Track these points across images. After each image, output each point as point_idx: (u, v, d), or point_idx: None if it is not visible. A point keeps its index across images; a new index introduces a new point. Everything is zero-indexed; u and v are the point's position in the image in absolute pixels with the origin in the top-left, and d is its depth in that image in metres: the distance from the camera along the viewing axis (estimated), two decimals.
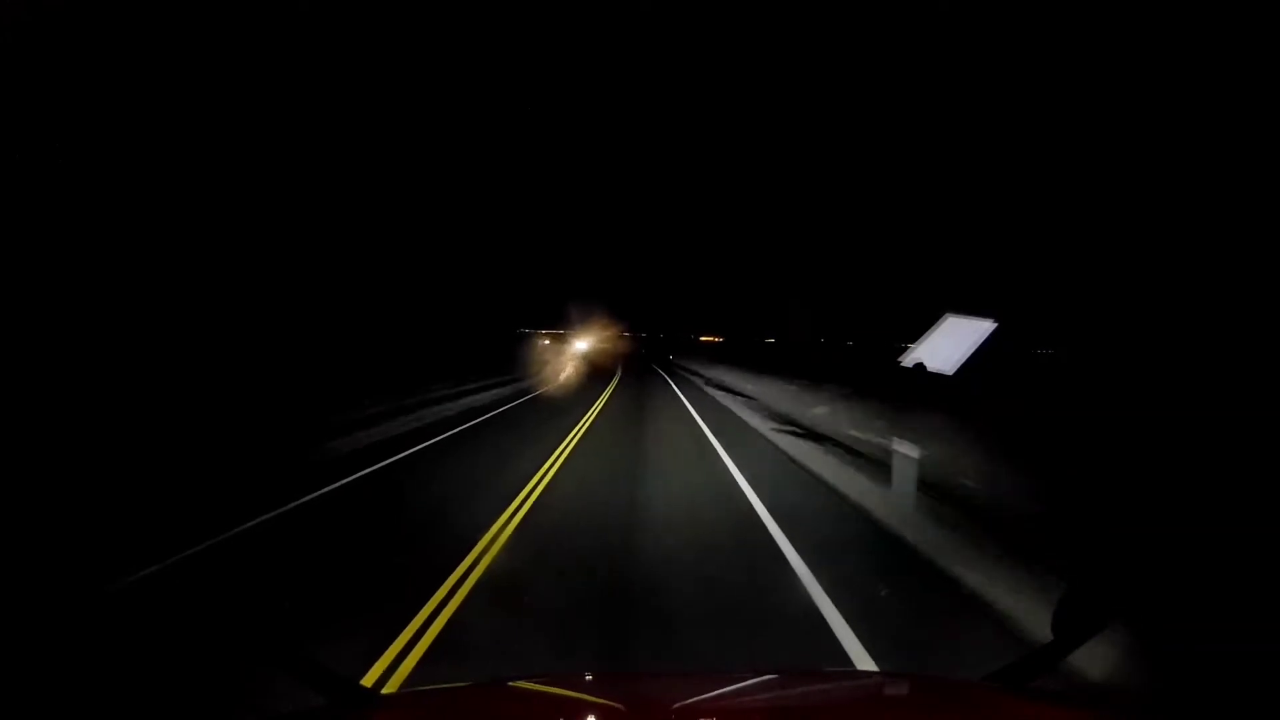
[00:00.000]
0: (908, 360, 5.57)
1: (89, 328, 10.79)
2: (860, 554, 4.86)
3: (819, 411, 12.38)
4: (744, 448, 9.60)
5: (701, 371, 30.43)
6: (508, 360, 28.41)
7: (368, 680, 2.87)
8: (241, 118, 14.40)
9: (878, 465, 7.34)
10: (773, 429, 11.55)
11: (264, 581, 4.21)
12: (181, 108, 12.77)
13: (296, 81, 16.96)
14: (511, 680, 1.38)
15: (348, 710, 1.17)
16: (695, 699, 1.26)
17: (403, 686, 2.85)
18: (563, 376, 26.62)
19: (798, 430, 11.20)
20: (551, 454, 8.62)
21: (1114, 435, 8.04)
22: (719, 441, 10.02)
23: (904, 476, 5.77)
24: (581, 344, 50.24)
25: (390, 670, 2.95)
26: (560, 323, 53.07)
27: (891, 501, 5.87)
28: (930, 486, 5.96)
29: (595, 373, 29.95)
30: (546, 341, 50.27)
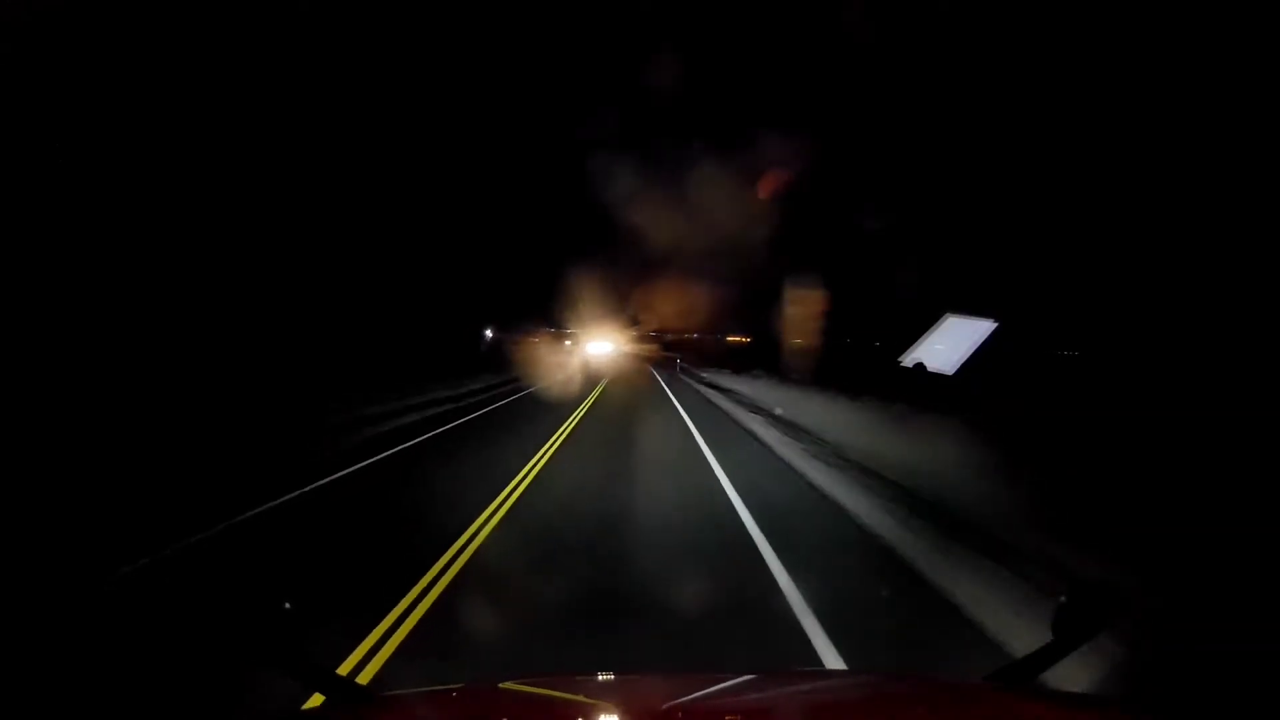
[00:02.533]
0: (908, 360, 5.59)
1: (98, 332, 10.79)
2: None
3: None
4: None
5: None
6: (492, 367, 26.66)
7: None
8: (220, 116, 14.22)
9: None
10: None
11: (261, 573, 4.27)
12: (172, 107, 12.71)
13: (293, 85, 16.88)
14: (506, 681, 1.38)
15: (345, 710, 1.17)
16: (689, 700, 1.26)
17: (397, 683, 2.85)
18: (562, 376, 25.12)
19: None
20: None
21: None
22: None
23: None
24: (600, 345, 41.68)
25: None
26: (573, 321, 47.76)
27: None
28: None
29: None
30: (568, 343, 44.07)
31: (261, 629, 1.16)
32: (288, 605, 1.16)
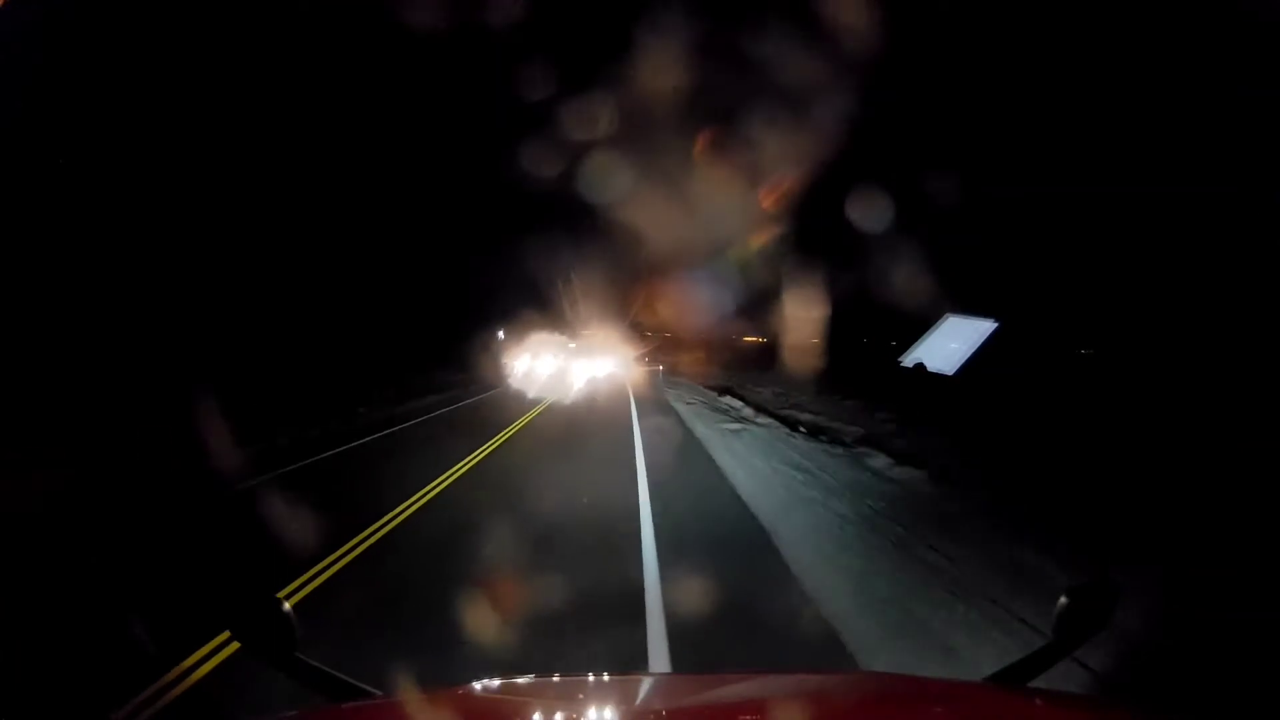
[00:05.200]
0: (908, 360, 5.57)
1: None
2: None
3: None
4: None
5: None
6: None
7: None
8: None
9: None
10: None
11: None
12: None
13: (291, 88, 16.85)
14: (496, 682, 1.36)
15: (335, 712, 1.17)
16: (683, 701, 1.24)
17: None
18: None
19: None
20: None
21: None
22: None
23: None
24: (593, 363, 29.58)
25: None
26: (578, 326, 41.43)
27: None
28: None
29: None
30: (572, 345, 33.62)
31: (260, 627, 1.16)
32: (287, 606, 1.16)
